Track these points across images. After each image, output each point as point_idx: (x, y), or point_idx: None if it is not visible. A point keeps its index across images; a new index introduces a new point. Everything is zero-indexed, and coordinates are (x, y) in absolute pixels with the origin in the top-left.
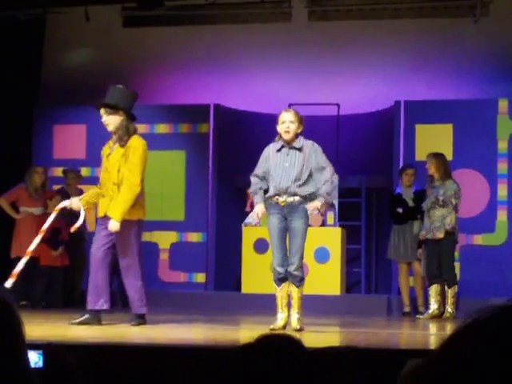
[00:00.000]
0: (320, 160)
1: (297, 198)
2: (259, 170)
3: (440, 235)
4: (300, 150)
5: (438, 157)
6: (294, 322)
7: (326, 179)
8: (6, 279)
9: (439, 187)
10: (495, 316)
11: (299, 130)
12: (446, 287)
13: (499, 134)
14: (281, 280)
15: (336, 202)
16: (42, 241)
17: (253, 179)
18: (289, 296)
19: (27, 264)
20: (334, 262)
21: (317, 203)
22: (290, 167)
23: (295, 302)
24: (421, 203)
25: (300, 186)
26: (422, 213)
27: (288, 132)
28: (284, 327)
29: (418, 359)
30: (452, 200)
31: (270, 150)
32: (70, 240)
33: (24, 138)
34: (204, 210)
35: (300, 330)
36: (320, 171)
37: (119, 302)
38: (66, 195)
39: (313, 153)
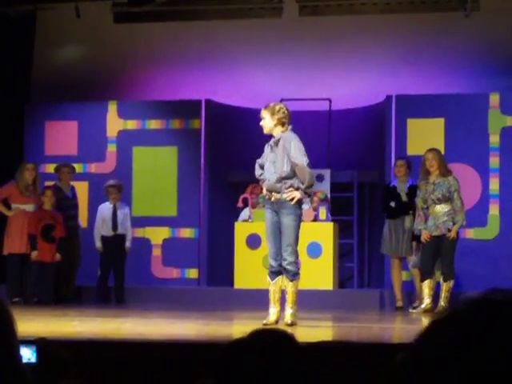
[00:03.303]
0: (293, 154)
1: (284, 195)
2: (261, 159)
3: (455, 233)
4: (278, 142)
5: (439, 152)
6: (287, 317)
7: (304, 175)
8: None
9: (441, 183)
10: (469, 309)
11: (275, 122)
12: (441, 280)
13: (490, 128)
14: (274, 273)
15: (328, 196)
16: (34, 236)
17: (256, 165)
18: (282, 291)
19: (19, 260)
20: (327, 256)
21: (296, 194)
22: (275, 162)
23: (289, 297)
24: (414, 198)
25: (283, 178)
26: (415, 208)
27: (263, 128)
28: (276, 322)
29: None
30: (460, 196)
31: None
32: (66, 236)
33: (15, 134)
34: (196, 205)
35: (292, 325)
36: (296, 166)
37: (113, 298)
38: (59, 191)
39: (288, 146)
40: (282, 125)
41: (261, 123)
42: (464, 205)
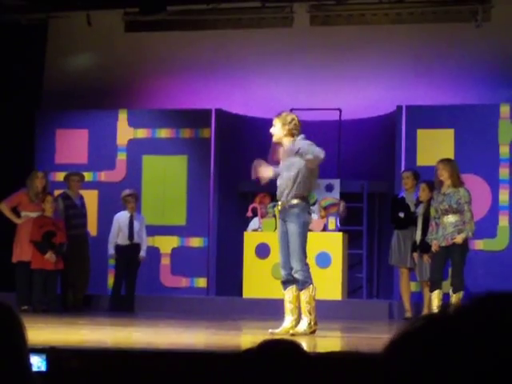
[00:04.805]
0: (305, 150)
1: (290, 201)
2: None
3: (459, 240)
4: (290, 153)
5: (452, 163)
6: (298, 326)
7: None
8: (7, 284)
9: (451, 194)
10: (422, 327)
11: (284, 132)
12: (450, 292)
13: (501, 139)
14: (284, 283)
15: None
16: (33, 244)
17: None
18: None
19: (27, 268)
20: (336, 266)
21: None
22: (286, 174)
23: (301, 306)
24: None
25: (294, 189)
26: (416, 218)
27: (273, 136)
28: (287, 331)
29: None
30: (470, 207)
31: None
32: (69, 243)
33: (26, 142)
34: (205, 214)
35: (293, 335)
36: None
37: (125, 306)
38: (67, 200)
39: (301, 151)
40: (292, 136)
41: (271, 129)
42: (473, 216)
